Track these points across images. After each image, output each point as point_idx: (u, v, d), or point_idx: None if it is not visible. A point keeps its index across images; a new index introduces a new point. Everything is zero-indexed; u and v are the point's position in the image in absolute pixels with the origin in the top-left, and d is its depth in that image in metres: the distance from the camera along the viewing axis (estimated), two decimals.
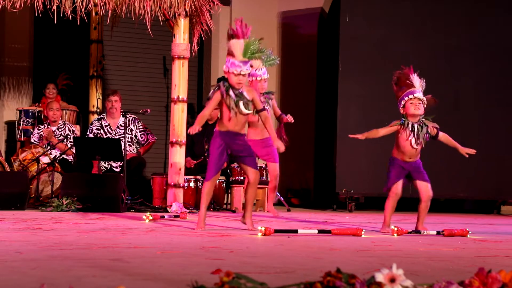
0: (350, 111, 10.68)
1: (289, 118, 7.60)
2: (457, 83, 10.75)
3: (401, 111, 6.26)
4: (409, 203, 8.05)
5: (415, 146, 6.20)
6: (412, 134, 6.18)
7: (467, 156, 6.34)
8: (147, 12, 8.44)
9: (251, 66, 7.20)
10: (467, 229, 6.00)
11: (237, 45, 5.90)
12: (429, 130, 6.25)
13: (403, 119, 6.24)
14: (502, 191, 10.83)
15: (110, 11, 8.65)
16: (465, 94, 10.78)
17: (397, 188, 6.24)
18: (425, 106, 6.25)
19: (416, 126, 6.21)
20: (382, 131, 6.33)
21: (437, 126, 6.32)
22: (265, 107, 7.36)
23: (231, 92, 5.85)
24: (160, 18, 8.65)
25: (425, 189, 6.25)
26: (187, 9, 8.74)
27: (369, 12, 10.85)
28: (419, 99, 6.20)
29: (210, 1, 8.79)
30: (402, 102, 6.23)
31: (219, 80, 11.09)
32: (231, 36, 5.95)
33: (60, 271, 3.24)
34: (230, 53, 5.93)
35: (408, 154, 6.23)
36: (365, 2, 10.91)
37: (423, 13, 10.87)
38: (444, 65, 10.70)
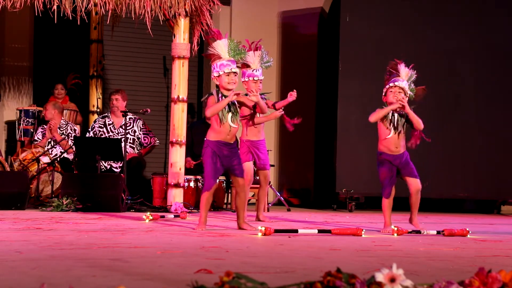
0: (350, 111, 10.68)
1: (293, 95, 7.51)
2: (457, 83, 10.76)
3: (383, 99, 6.29)
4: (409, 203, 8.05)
5: (393, 135, 6.20)
6: (391, 124, 6.20)
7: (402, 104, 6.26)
8: (147, 12, 8.44)
9: (248, 67, 7.22)
10: (467, 229, 6.00)
11: (221, 44, 5.93)
12: (410, 119, 6.25)
13: (384, 107, 6.26)
14: (502, 191, 10.82)
15: (110, 11, 8.65)
16: (465, 94, 10.78)
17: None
18: (408, 95, 6.25)
19: (396, 115, 6.23)
20: (382, 112, 6.30)
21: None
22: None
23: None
24: (160, 18, 8.65)
25: (414, 183, 6.30)
26: (187, 9, 8.74)
27: (369, 12, 10.85)
28: (399, 87, 6.22)
29: (210, 1, 8.78)
30: (384, 91, 6.28)
31: None
32: (212, 39, 5.96)
33: (60, 271, 3.24)
34: (215, 57, 5.93)
35: (393, 143, 6.23)
36: (365, 2, 10.91)
37: (423, 13, 10.87)
38: (444, 65, 10.70)
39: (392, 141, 6.24)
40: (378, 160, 6.32)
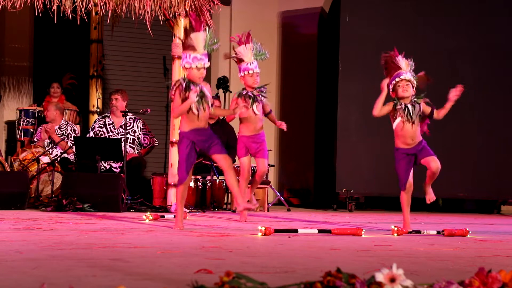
0: (350, 111, 10.68)
1: (283, 126, 7.48)
2: (457, 83, 10.72)
3: (392, 95, 6.32)
4: (412, 203, 8.05)
5: (408, 125, 6.22)
6: (404, 115, 6.21)
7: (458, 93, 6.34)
8: (147, 12, 8.44)
9: (243, 60, 7.19)
10: (467, 229, 6.00)
11: (199, 37, 5.88)
12: (422, 108, 6.27)
13: (395, 101, 6.29)
14: (502, 191, 10.83)
15: (110, 11, 8.65)
16: (465, 94, 10.76)
17: (409, 181, 6.29)
18: (415, 86, 6.29)
19: (409, 106, 6.24)
20: (385, 108, 6.33)
21: (430, 103, 6.34)
22: (261, 100, 7.31)
23: (192, 88, 5.84)
24: (160, 18, 8.64)
25: (432, 160, 6.25)
26: (187, 9, 8.74)
27: (369, 12, 10.86)
28: (406, 80, 6.24)
29: (210, 1, 8.78)
30: (391, 87, 6.30)
31: (219, 80, 11.11)
32: (191, 29, 5.92)
33: (60, 271, 3.24)
34: (189, 48, 5.87)
35: (409, 136, 6.25)
36: (365, 2, 10.91)
37: (423, 13, 10.88)
38: (444, 65, 10.70)
39: (407, 134, 6.25)
40: (395, 156, 6.33)
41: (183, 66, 5.95)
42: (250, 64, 7.18)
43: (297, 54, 12.36)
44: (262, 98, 7.29)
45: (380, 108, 6.33)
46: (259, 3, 12.38)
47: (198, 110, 5.85)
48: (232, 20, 12.12)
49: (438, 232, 6.02)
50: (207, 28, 5.96)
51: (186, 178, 5.89)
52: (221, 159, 5.94)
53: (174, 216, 7.50)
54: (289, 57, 12.38)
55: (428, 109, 6.32)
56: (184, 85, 5.86)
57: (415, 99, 6.30)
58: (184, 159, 5.89)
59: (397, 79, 6.27)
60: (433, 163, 6.25)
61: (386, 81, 6.34)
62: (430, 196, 6.41)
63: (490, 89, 10.76)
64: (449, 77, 10.75)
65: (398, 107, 6.24)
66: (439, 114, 6.35)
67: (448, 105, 6.37)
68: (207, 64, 5.91)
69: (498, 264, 4.02)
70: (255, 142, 7.33)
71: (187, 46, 5.89)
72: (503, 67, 10.77)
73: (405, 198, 6.36)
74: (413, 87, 6.29)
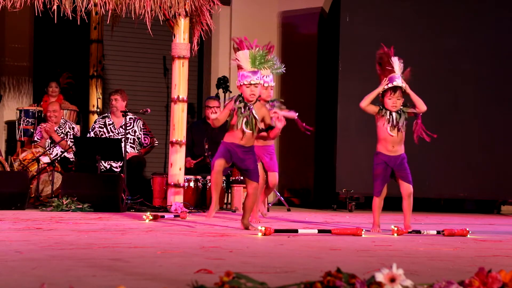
0: (350, 111, 10.68)
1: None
2: (457, 83, 10.76)
3: (380, 99, 6.29)
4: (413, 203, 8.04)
5: (391, 133, 6.22)
6: (388, 122, 6.20)
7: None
8: (147, 12, 8.44)
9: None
10: (467, 229, 6.01)
11: (243, 55, 5.94)
12: (407, 116, 6.26)
13: (381, 107, 6.27)
14: (502, 191, 10.83)
15: (110, 11, 8.65)
16: (465, 94, 10.79)
17: (384, 189, 6.33)
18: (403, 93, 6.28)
19: (394, 114, 6.23)
20: (372, 107, 6.30)
21: (415, 111, 6.30)
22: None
23: (241, 107, 5.89)
24: (160, 18, 8.64)
25: (406, 187, 6.32)
26: (187, 9, 8.74)
27: (369, 12, 10.86)
28: (399, 94, 6.20)
29: (210, 1, 8.78)
30: (380, 90, 6.27)
31: (219, 80, 11.10)
32: (236, 49, 5.99)
33: (60, 271, 3.24)
34: (239, 67, 5.96)
35: (390, 141, 6.25)
36: (365, 2, 10.91)
37: (423, 13, 10.88)
38: (444, 65, 10.70)
39: (389, 140, 6.25)
40: (374, 160, 6.37)
41: (237, 85, 6.02)
42: (266, 77, 7.20)
43: (297, 54, 12.35)
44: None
45: (369, 102, 6.30)
46: (259, 3, 12.37)
47: (243, 129, 5.87)
48: (232, 20, 12.11)
49: (438, 232, 6.03)
50: (254, 47, 5.98)
51: (215, 164, 5.88)
52: (250, 186, 6.03)
53: (174, 216, 7.52)
54: (289, 57, 12.38)
55: (410, 109, 6.31)
56: (236, 100, 5.91)
57: (402, 108, 6.27)
58: (218, 152, 5.93)
59: (390, 85, 6.23)
60: (406, 190, 6.31)
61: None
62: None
63: (490, 89, 10.76)
64: (449, 77, 10.77)
65: (383, 114, 6.23)
66: (417, 107, 6.27)
67: (413, 97, 6.27)
68: (256, 81, 5.91)
69: (498, 264, 4.02)
70: (266, 154, 7.35)
71: (238, 66, 5.97)
72: (503, 67, 10.77)
73: (377, 203, 6.43)
74: (402, 96, 6.27)
